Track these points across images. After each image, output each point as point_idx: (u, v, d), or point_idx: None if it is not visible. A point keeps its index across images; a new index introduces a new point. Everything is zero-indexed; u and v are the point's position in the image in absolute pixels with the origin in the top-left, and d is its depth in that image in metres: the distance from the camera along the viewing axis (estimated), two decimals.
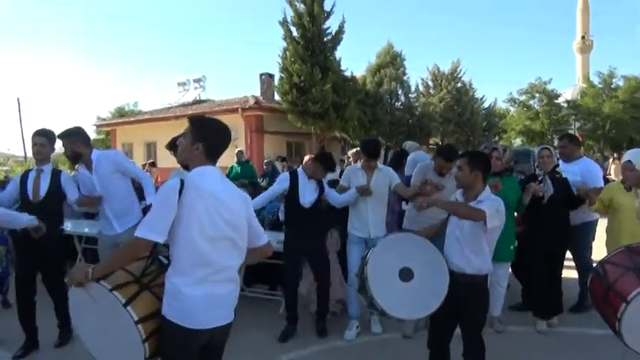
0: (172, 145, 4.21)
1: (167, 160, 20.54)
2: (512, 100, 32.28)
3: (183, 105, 22.68)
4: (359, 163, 4.49)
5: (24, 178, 3.94)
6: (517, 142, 34.44)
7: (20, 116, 9.40)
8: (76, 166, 4.05)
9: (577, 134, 30.36)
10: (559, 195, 4.23)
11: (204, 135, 2.08)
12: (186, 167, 2.16)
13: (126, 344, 1.94)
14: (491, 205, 2.83)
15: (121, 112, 35.90)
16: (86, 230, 6.09)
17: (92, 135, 41.55)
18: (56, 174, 3.97)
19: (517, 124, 31.44)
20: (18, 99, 9.33)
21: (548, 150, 4.43)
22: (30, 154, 4.14)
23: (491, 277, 3.66)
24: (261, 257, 2.40)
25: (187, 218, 1.93)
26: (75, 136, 3.93)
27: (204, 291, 1.97)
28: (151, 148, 22.08)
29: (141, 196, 4.23)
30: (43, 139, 3.92)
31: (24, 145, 26.62)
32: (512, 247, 4.24)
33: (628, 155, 4.07)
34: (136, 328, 1.89)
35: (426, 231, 3.20)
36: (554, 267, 4.34)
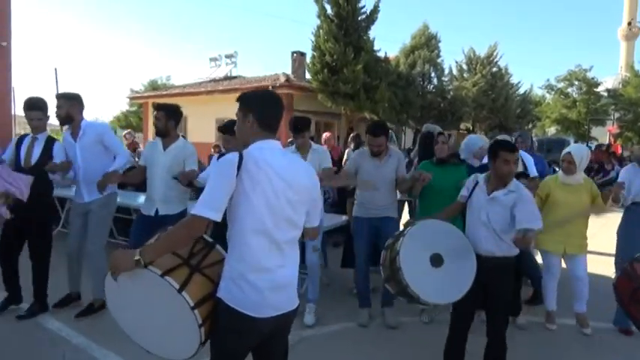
0: (225, 129, 4.24)
1: (196, 134, 20.83)
2: (549, 87, 31.27)
3: (215, 80, 22.81)
4: (293, 146, 4.34)
5: (19, 143, 4.07)
6: (552, 130, 33.49)
7: (57, 86, 9.66)
8: (63, 129, 4.16)
9: (615, 125, 29.34)
10: None
11: (252, 105, 1.96)
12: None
13: (179, 331, 1.84)
14: (522, 198, 2.88)
15: (153, 86, 36.46)
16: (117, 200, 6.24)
17: (125, 107, 42.63)
18: (50, 142, 4.04)
19: (553, 112, 30.49)
20: (55, 69, 9.64)
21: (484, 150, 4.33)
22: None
23: None
24: (306, 238, 2.24)
25: (247, 194, 1.80)
26: (75, 100, 4.08)
27: (268, 276, 1.85)
28: (181, 122, 22.36)
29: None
30: (40, 112, 3.99)
31: None
32: None
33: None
34: (193, 314, 1.78)
35: (443, 214, 3.21)
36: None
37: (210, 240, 2.02)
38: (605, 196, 3.97)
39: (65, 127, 4.23)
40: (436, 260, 2.85)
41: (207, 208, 1.77)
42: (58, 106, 4.04)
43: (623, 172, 4.26)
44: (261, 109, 1.95)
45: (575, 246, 4.05)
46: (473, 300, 2.91)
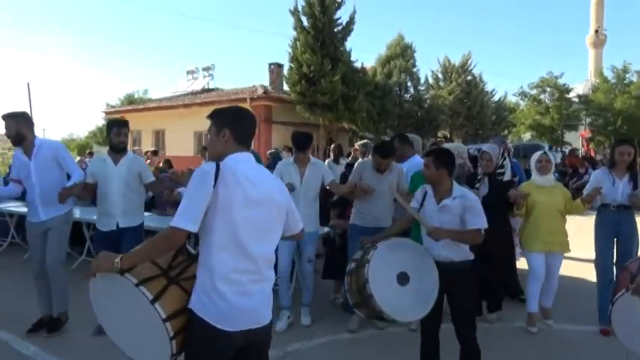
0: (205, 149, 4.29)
1: (175, 147, 20.67)
2: (522, 94, 31.96)
3: (192, 93, 22.70)
4: (291, 158, 4.44)
5: None
6: (527, 136, 34.18)
7: (30, 101, 9.48)
8: (15, 149, 4.10)
9: (587, 130, 30.11)
10: (494, 197, 4.23)
11: (226, 120, 1.99)
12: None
13: (152, 340, 1.83)
14: (472, 203, 2.96)
15: (130, 100, 36.08)
16: (95, 217, 6.14)
17: (101, 122, 42.02)
18: None
19: (527, 118, 31.15)
20: (28, 84, 9.41)
21: (488, 154, 4.43)
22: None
23: None
24: (297, 239, 2.29)
25: (223, 205, 1.80)
26: (21, 118, 3.99)
27: (240, 288, 1.84)
28: (159, 136, 22.17)
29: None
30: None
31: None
32: None
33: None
34: (164, 326, 1.77)
35: (394, 229, 3.29)
36: (490, 267, 4.17)
37: (193, 252, 2.01)
38: (588, 199, 4.09)
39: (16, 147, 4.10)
40: (403, 278, 2.89)
41: (185, 219, 1.77)
42: (6, 127, 3.94)
43: (594, 175, 4.41)
44: (236, 125, 1.99)
45: (558, 244, 4.19)
46: (439, 305, 2.99)
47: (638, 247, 4.13)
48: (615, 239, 4.19)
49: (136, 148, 16.64)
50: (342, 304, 4.70)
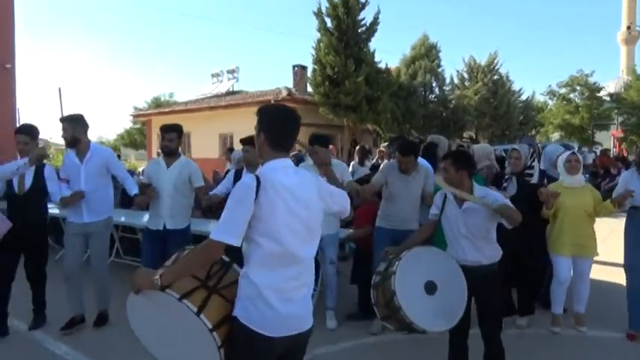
0: (247, 141, 4.32)
1: (200, 150, 20.94)
2: (551, 93, 31.20)
3: (217, 96, 22.92)
4: (311, 160, 4.28)
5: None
6: (555, 136, 33.40)
7: (62, 106, 9.76)
8: (67, 150, 4.28)
9: (619, 129, 29.23)
10: (521, 197, 4.07)
11: (262, 122, 1.95)
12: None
13: (199, 351, 1.85)
14: (497, 197, 2.93)
15: (157, 103, 36.74)
16: (122, 219, 6.28)
17: (128, 124, 42.87)
18: (39, 166, 4.17)
19: (556, 117, 30.40)
20: (59, 89, 9.65)
21: (517, 151, 4.34)
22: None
23: None
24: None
25: (266, 217, 1.81)
26: (78, 122, 4.15)
27: (285, 296, 1.84)
28: (185, 138, 22.44)
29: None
30: (26, 137, 4.10)
31: None
32: None
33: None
34: (212, 336, 1.79)
35: (415, 239, 3.19)
36: (520, 267, 4.12)
37: (226, 260, 2.02)
38: (618, 201, 3.96)
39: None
40: (430, 288, 2.86)
41: (227, 233, 1.77)
42: (63, 129, 4.11)
43: (622, 176, 4.28)
44: (270, 128, 1.95)
45: (585, 248, 4.07)
46: (466, 311, 2.95)
47: None
48: None
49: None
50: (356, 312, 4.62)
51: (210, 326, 1.79)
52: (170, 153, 4.24)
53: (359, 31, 17.83)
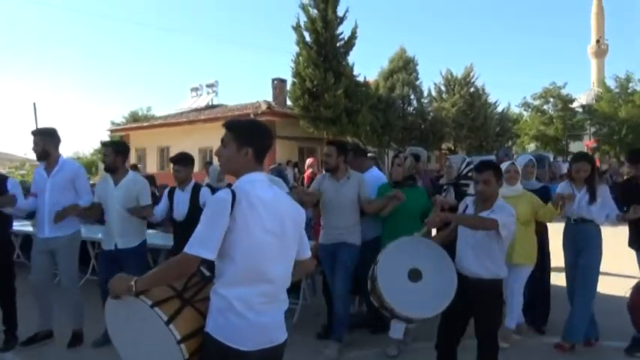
0: (176, 160, 4.36)
1: None
2: (525, 105, 32.03)
3: (196, 110, 22.84)
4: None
5: None
6: (531, 147, 34.11)
7: (36, 121, 9.51)
8: (39, 164, 4.18)
9: (592, 139, 30.01)
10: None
11: (252, 138, 1.94)
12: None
13: None
14: (504, 214, 2.90)
15: (134, 117, 36.34)
16: (99, 236, 6.14)
17: (106, 139, 42.22)
18: (2, 183, 4.08)
19: (531, 129, 31.15)
20: (34, 104, 9.47)
21: (449, 160, 4.39)
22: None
23: None
24: (304, 273, 2.18)
25: (240, 231, 1.80)
26: (49, 136, 4.10)
27: (255, 309, 1.83)
28: (164, 153, 22.24)
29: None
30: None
31: None
32: None
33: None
34: (179, 348, 1.77)
35: (439, 239, 3.25)
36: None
37: (207, 274, 1.98)
38: (557, 202, 3.95)
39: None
40: (414, 275, 2.87)
41: (203, 247, 1.76)
42: (34, 143, 4.04)
43: (559, 187, 4.28)
44: (260, 144, 1.96)
45: (517, 255, 3.94)
46: (457, 318, 2.94)
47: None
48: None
49: (140, 165, 16.69)
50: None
51: (179, 337, 1.77)
52: (109, 170, 4.15)
53: (337, 45, 18.03)
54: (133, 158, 22.58)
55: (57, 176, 4.04)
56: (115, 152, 4.11)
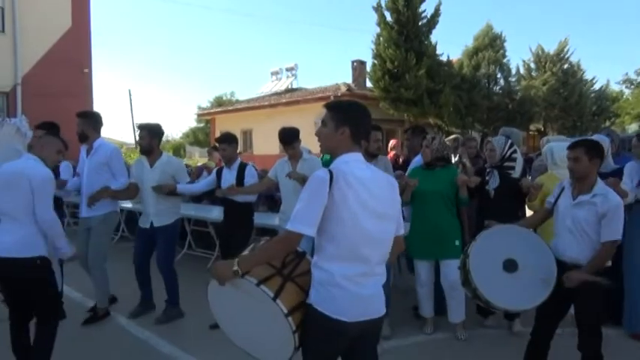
0: (221, 140, 4.49)
1: (262, 147, 21.34)
2: (627, 82, 29.26)
3: (277, 94, 23.32)
4: (286, 157, 4.43)
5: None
6: (632, 127, 31.22)
7: (132, 106, 10.17)
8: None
9: None
10: (505, 188, 3.88)
11: (348, 118, 1.99)
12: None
13: (275, 335, 1.94)
14: (612, 207, 2.72)
15: (219, 102, 37.96)
16: (192, 213, 6.55)
17: (193, 123, 44.48)
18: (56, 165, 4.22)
19: (633, 107, 28.49)
20: (129, 91, 10.22)
21: (491, 143, 4.09)
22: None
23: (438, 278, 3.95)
24: (398, 250, 2.21)
25: (339, 209, 1.86)
26: (89, 119, 4.31)
27: (355, 281, 1.90)
28: (247, 136, 23.02)
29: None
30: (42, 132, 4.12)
31: (134, 133, 29.11)
32: (457, 243, 3.86)
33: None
34: (287, 321, 1.87)
35: (527, 223, 3.13)
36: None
37: (300, 250, 2.09)
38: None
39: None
40: (510, 265, 2.78)
41: (303, 224, 1.84)
42: (77, 125, 4.26)
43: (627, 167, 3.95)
44: (357, 124, 2.00)
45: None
46: (555, 307, 2.84)
47: None
48: None
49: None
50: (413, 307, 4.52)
51: (286, 311, 1.86)
52: (144, 152, 4.32)
53: (419, 23, 17.52)
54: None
55: (93, 158, 4.24)
56: (150, 135, 4.29)
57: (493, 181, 4.05)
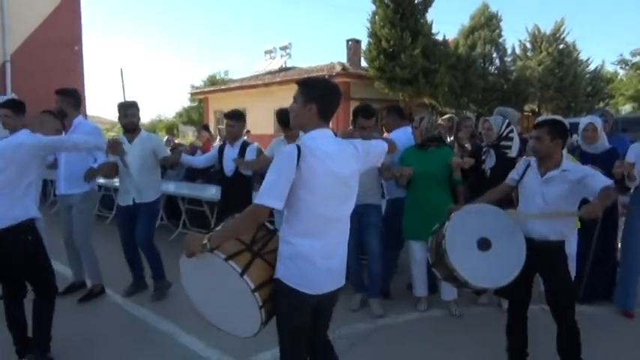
0: (230, 116, 4.53)
1: (256, 126, 21.17)
2: (622, 62, 29.14)
3: (271, 73, 23.08)
4: (282, 136, 4.51)
5: None
6: (626, 108, 31.28)
7: (123, 86, 10.07)
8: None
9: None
10: (502, 167, 3.85)
11: (316, 94, 2.04)
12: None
13: (242, 311, 1.98)
14: (586, 170, 2.75)
15: (212, 81, 37.49)
16: (185, 192, 6.54)
17: (186, 102, 44.05)
18: None
19: (627, 88, 28.44)
20: (121, 69, 10.02)
21: (488, 122, 4.09)
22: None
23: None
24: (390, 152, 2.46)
25: (307, 182, 1.92)
26: (69, 97, 4.23)
27: (322, 254, 1.98)
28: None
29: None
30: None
31: None
32: None
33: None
34: (253, 296, 1.91)
35: (485, 198, 3.09)
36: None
37: (271, 228, 2.13)
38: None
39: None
40: (483, 244, 2.79)
41: (270, 197, 1.88)
42: (56, 102, 4.17)
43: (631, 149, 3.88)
44: (324, 102, 2.06)
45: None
46: (528, 282, 2.89)
47: None
48: None
49: (220, 127, 17.29)
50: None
51: (253, 287, 1.90)
52: (133, 129, 4.29)
53: (415, 2, 17.30)
54: (211, 120, 23.46)
55: (71, 135, 4.09)
56: (138, 111, 4.30)
57: (489, 161, 4.04)
